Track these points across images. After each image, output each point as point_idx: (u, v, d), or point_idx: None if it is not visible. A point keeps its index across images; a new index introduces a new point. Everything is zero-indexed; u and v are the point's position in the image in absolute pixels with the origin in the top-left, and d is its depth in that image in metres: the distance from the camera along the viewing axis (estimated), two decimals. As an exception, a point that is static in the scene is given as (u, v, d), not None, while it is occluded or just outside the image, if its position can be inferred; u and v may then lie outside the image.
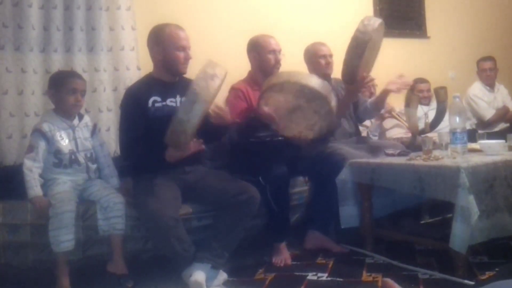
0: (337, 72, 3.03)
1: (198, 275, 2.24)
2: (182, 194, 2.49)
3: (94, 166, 2.60)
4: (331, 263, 2.60)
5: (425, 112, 3.92)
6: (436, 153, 2.58)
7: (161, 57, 2.55)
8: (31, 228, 2.38)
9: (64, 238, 2.27)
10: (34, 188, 2.36)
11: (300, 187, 3.02)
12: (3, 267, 2.41)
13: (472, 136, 2.88)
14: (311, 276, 2.42)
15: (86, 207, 2.44)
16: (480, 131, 3.26)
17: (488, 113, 4.48)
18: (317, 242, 2.83)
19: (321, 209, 2.84)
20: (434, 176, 2.30)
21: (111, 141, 3.15)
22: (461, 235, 2.16)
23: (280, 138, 2.97)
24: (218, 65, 2.24)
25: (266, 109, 2.62)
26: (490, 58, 4.58)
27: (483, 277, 2.23)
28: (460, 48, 5.03)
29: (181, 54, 2.52)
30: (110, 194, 2.47)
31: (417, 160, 2.49)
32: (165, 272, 2.42)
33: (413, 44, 4.86)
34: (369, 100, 3.28)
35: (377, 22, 2.75)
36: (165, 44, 2.52)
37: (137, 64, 3.23)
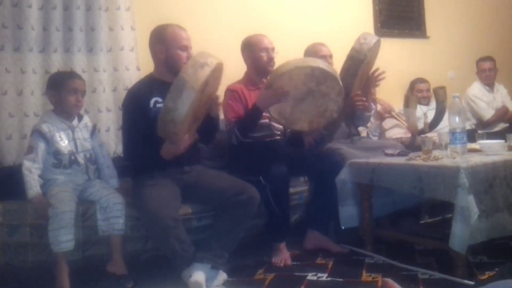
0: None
1: (198, 275, 2.24)
2: (182, 194, 2.49)
3: (93, 167, 2.60)
4: (331, 263, 2.60)
5: (425, 112, 3.92)
6: (436, 153, 2.57)
7: (163, 56, 2.55)
8: (31, 228, 2.38)
9: (63, 238, 2.27)
10: (34, 188, 2.35)
11: (300, 187, 3.03)
12: (3, 267, 2.41)
13: (471, 136, 2.87)
14: (311, 276, 2.42)
15: (85, 207, 2.43)
16: (479, 131, 3.26)
17: (488, 113, 4.48)
18: (317, 242, 2.82)
19: (321, 209, 2.83)
20: (433, 176, 2.30)
21: (111, 142, 3.15)
22: (460, 235, 2.17)
23: (279, 138, 2.98)
24: (210, 55, 2.21)
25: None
26: (489, 58, 4.58)
27: (483, 277, 2.23)
28: (460, 48, 5.03)
29: (184, 54, 2.52)
30: (110, 194, 2.46)
31: (417, 160, 2.49)
32: (165, 272, 2.42)
33: (413, 44, 4.86)
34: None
35: (373, 40, 2.78)
36: (167, 43, 2.52)
37: (136, 64, 3.23)
